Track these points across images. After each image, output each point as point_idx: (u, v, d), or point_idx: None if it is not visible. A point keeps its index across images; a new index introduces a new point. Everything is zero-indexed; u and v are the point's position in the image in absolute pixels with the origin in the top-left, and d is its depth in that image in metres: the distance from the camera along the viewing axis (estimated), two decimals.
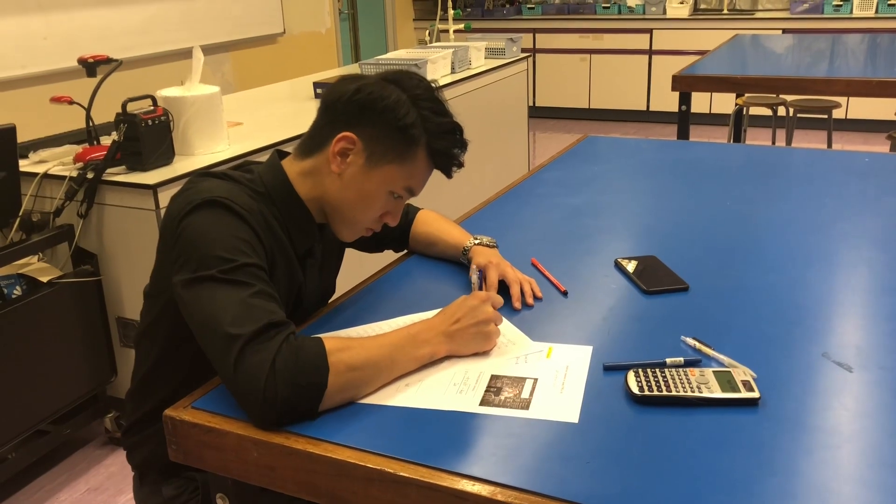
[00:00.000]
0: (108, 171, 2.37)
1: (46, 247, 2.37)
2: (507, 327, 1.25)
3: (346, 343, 1.07)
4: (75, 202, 2.39)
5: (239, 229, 1.14)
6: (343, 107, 1.23)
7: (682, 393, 1.03)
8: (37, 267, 2.38)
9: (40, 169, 2.48)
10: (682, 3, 6.60)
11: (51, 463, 2.48)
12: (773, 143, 4.97)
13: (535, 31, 7.01)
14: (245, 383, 1.00)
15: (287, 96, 3.76)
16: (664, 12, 6.68)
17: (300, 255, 1.30)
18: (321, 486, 0.98)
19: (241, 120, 3.13)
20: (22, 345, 2.23)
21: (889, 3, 5.96)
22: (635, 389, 1.04)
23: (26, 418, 2.27)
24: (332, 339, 1.07)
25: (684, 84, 3.48)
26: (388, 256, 1.62)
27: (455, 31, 4.66)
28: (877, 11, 5.98)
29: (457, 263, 1.51)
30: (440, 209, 1.64)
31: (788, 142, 4.75)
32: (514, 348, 1.19)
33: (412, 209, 1.60)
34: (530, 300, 1.34)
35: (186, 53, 4.99)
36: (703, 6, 6.87)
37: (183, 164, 2.47)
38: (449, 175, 1.30)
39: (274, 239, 1.23)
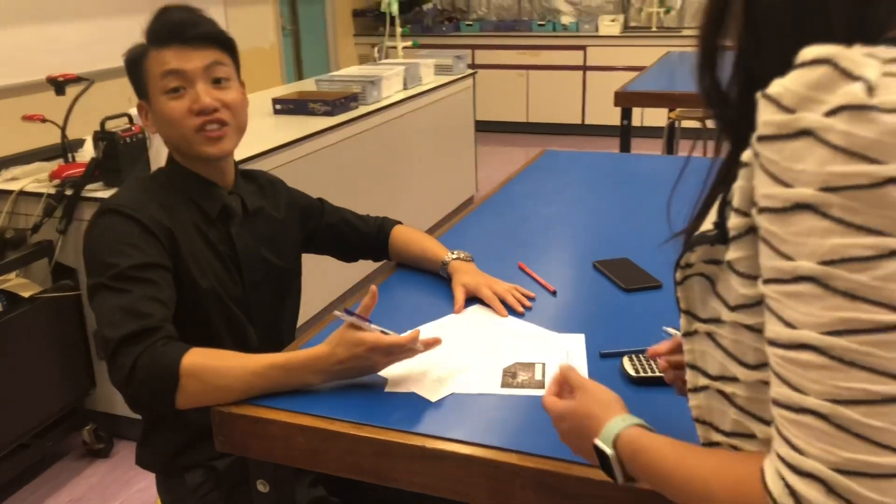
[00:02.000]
0: (86, 187, 2.43)
1: (27, 263, 2.41)
2: (515, 323, 1.40)
3: (208, 361, 1.16)
4: (53, 218, 2.44)
5: (126, 232, 1.29)
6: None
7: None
8: (16, 283, 2.42)
9: (14, 186, 2.52)
10: (613, 20, 6.91)
11: (31, 476, 2.51)
12: (704, 153, 5.28)
13: (474, 47, 7.22)
14: (114, 379, 1.18)
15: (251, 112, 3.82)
16: (597, 30, 6.97)
17: (221, 220, 1.42)
18: (364, 464, 1.11)
19: None
20: (3, 359, 2.27)
21: None
22: (632, 372, 1.20)
23: (10, 432, 2.30)
24: (196, 355, 1.16)
25: (625, 100, 3.70)
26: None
27: (403, 48, 4.81)
28: None
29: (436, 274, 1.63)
30: (398, 215, 1.75)
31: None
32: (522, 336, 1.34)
33: (388, 222, 1.71)
34: (520, 308, 1.45)
35: None
36: (633, 24, 7.20)
37: None
38: (184, 31, 1.34)
39: (177, 220, 1.35)
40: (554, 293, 1.53)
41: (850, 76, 0.57)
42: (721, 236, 0.71)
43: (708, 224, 0.75)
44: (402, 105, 4.02)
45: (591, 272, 1.63)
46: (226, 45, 1.40)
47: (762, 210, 0.62)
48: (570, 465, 1.00)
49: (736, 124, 0.71)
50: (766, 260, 0.63)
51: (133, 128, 2.48)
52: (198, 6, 1.40)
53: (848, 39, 0.60)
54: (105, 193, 2.41)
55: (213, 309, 1.38)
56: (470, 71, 4.94)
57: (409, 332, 1.18)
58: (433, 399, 1.17)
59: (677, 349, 1.03)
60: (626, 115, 3.73)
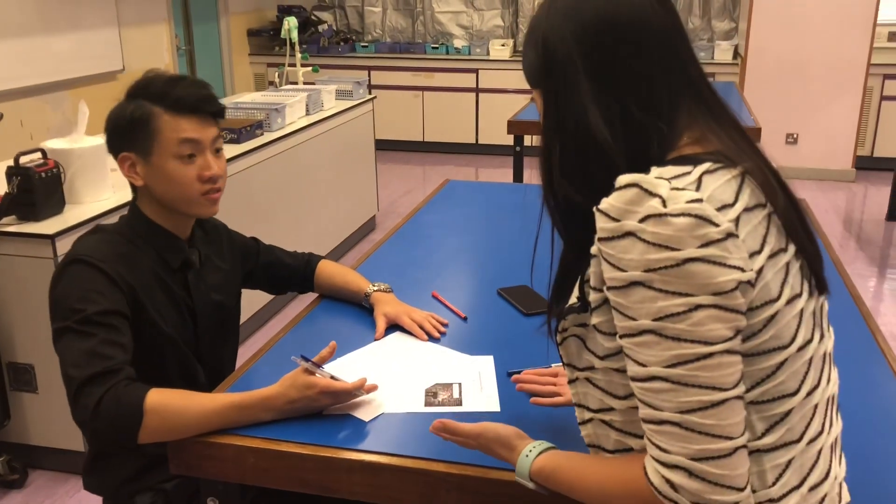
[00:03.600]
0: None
1: None
2: (432, 349, 1.59)
3: (168, 401, 1.28)
4: None
5: (92, 282, 1.41)
6: (108, 144, 1.53)
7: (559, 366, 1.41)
8: None
9: None
10: (503, 45, 7.24)
11: None
12: None
13: (369, 68, 7.40)
14: (77, 417, 1.32)
15: None
16: (488, 53, 7.29)
17: (180, 270, 1.56)
18: (310, 478, 1.27)
19: (114, 166, 3.25)
20: None
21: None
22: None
23: None
24: (159, 394, 1.29)
25: (518, 128, 3.97)
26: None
27: (303, 73, 4.93)
28: None
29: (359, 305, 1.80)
30: (304, 242, 1.92)
31: None
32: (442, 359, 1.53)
33: (314, 258, 1.88)
34: (436, 334, 1.65)
35: (27, 92, 4.89)
36: (521, 48, 7.55)
37: (73, 213, 2.59)
38: (205, 106, 1.49)
39: (138, 272, 1.48)
40: (465, 319, 1.73)
41: (650, 194, 0.84)
42: (584, 306, 0.96)
43: (573, 298, 0.99)
44: (306, 131, 4.15)
45: (496, 298, 1.84)
46: (221, 118, 1.55)
47: (609, 288, 0.88)
48: (488, 469, 1.20)
49: (566, 231, 1.01)
50: (618, 321, 0.88)
51: (48, 162, 2.53)
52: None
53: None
54: (20, 228, 2.45)
55: (168, 352, 1.51)
56: (370, 96, 5.12)
57: (356, 380, 1.35)
58: (367, 419, 1.34)
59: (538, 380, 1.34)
60: (519, 141, 3.99)
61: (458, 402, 1.39)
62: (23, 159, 2.48)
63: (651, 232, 0.82)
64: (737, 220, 0.84)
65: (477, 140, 7.34)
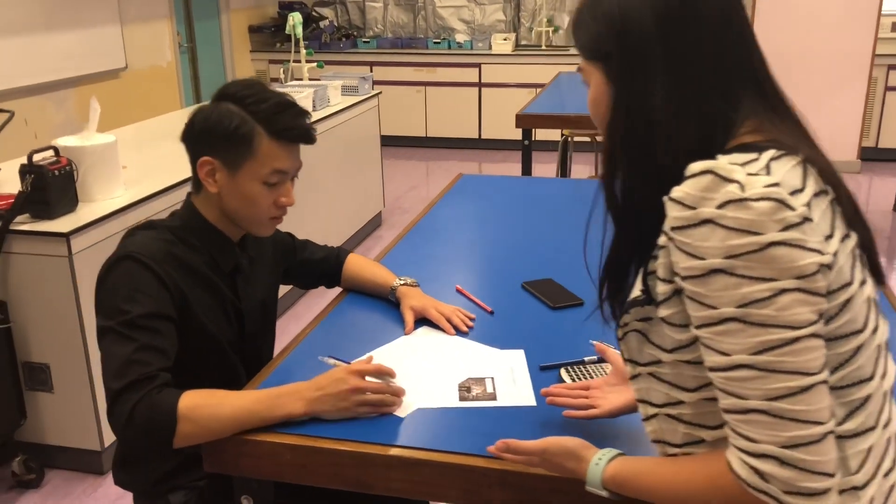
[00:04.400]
0: (14, 220, 2.45)
1: None
2: (461, 343, 1.58)
3: (203, 401, 1.27)
4: None
5: (141, 281, 1.39)
6: (191, 139, 1.49)
7: (591, 379, 1.39)
8: None
9: None
10: (505, 39, 7.22)
11: None
12: (596, 167, 5.63)
13: (371, 63, 7.37)
14: (113, 425, 1.30)
15: (162, 135, 3.85)
16: (490, 48, 7.27)
17: (230, 273, 1.55)
18: (348, 475, 1.26)
19: (125, 163, 3.23)
20: None
21: None
22: (569, 381, 1.40)
23: None
24: (191, 397, 1.28)
25: (526, 122, 3.95)
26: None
27: (308, 69, 4.91)
28: None
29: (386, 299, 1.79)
30: (311, 238, 1.89)
31: None
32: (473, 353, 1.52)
33: (343, 252, 1.87)
34: (464, 328, 1.64)
35: (30, 90, 4.87)
36: (524, 42, 7.54)
37: (86, 211, 2.58)
38: (305, 140, 1.47)
39: (188, 273, 1.46)
40: (491, 313, 1.72)
41: (727, 180, 0.83)
42: (648, 300, 0.94)
43: (637, 291, 0.97)
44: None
45: (521, 292, 1.83)
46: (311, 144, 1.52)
47: (685, 278, 0.86)
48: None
49: (622, 219, 0.99)
50: (695, 311, 0.86)
51: (60, 160, 2.51)
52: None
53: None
54: (35, 226, 2.44)
55: (213, 355, 1.50)
56: (375, 91, 5.10)
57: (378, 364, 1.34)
58: (402, 415, 1.33)
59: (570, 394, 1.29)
60: (527, 135, 3.98)
61: (493, 397, 1.38)
62: (36, 157, 2.46)
63: (732, 217, 0.81)
64: (808, 205, 0.84)
65: (480, 135, 7.32)
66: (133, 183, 2.90)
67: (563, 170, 5.11)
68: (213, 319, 1.50)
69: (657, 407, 0.99)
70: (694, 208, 0.83)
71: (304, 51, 4.87)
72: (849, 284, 0.86)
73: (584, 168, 6.41)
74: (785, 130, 0.91)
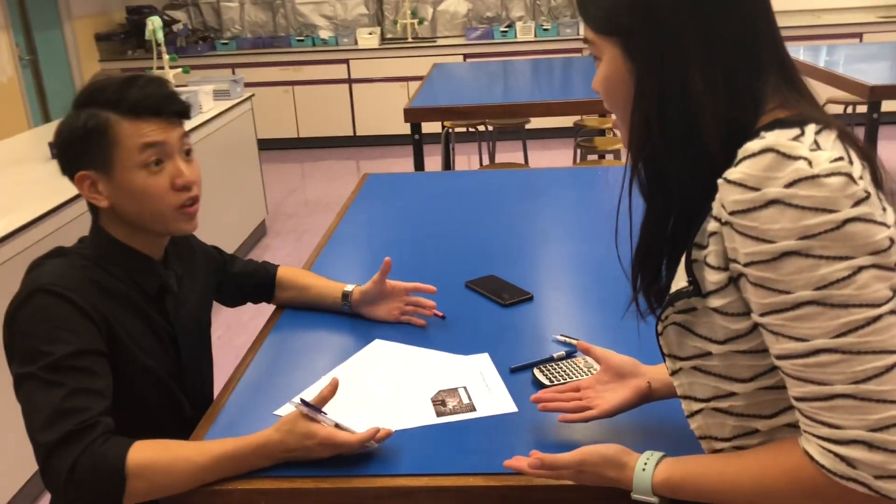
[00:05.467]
0: None
1: None
2: (423, 354, 1.49)
3: (154, 457, 1.13)
4: None
5: (60, 316, 1.22)
6: (60, 160, 1.32)
7: (581, 378, 1.35)
8: None
9: None
10: (371, 34, 7.11)
11: None
12: (480, 158, 5.63)
13: (233, 66, 7.07)
14: (50, 486, 1.15)
15: (16, 159, 3.51)
16: (356, 43, 7.13)
17: (157, 296, 1.38)
18: None
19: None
20: None
21: (543, 28, 7.00)
22: (546, 382, 1.35)
23: None
24: (142, 451, 1.12)
25: (415, 116, 3.87)
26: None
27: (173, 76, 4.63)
28: (535, 36, 7.00)
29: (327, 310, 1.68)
30: None
31: (492, 156, 5.42)
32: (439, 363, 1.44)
33: (270, 265, 1.74)
34: (429, 313, 1.61)
35: None
36: (389, 36, 7.44)
37: None
38: (166, 107, 1.29)
39: (114, 300, 1.30)
40: (443, 318, 1.64)
41: (791, 157, 0.78)
42: (696, 291, 0.89)
43: (681, 283, 0.91)
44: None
45: (466, 292, 1.76)
46: (187, 117, 1.35)
47: (749, 264, 0.81)
48: (531, 477, 1.12)
49: (656, 207, 0.94)
50: (762, 298, 0.81)
51: None
52: None
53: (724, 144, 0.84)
54: None
55: (150, 388, 1.33)
56: (247, 93, 4.88)
57: (367, 430, 1.16)
58: (375, 443, 1.23)
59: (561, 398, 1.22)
60: (416, 129, 3.90)
61: (472, 408, 1.30)
62: None
63: (804, 196, 0.77)
64: (864, 178, 0.81)
65: (355, 132, 7.18)
66: None
67: (448, 162, 5.08)
68: (147, 349, 1.33)
69: (703, 402, 0.94)
70: (758, 189, 0.78)
71: (166, 56, 4.58)
72: None
73: (465, 159, 6.42)
74: (806, 105, 0.88)
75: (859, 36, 6.62)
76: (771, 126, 0.83)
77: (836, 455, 0.80)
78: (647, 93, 0.88)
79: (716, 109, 0.85)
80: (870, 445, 0.79)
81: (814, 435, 0.82)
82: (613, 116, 0.97)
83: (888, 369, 0.78)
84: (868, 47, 5.42)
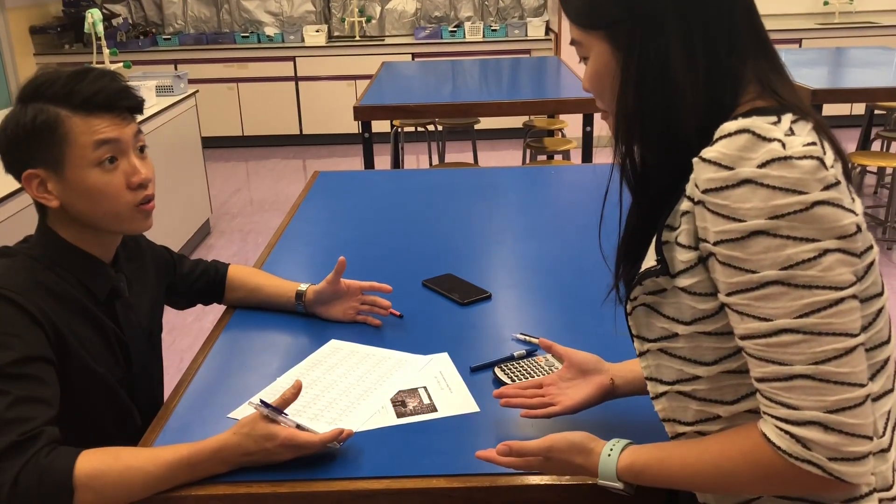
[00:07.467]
0: None
1: None
2: (381, 353, 1.46)
3: (103, 467, 1.07)
4: None
5: (6, 321, 1.16)
6: (4, 157, 1.26)
7: (542, 376, 1.33)
8: None
9: None
10: (318, 31, 7.02)
11: None
12: (430, 158, 5.61)
13: (176, 62, 6.91)
14: None
15: None
16: (303, 40, 7.04)
17: (106, 301, 1.32)
18: None
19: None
20: None
21: (492, 28, 7.02)
22: (507, 381, 1.33)
23: None
24: (90, 461, 1.07)
25: (364, 114, 3.83)
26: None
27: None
28: (483, 36, 7.01)
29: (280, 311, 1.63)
30: None
31: (441, 156, 5.40)
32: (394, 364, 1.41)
33: (220, 264, 1.69)
34: (385, 312, 1.58)
35: None
36: (336, 34, 7.37)
37: None
38: (118, 101, 1.24)
39: (62, 304, 1.24)
40: (401, 317, 1.61)
41: (765, 139, 0.79)
42: (664, 270, 0.88)
43: (649, 262, 0.90)
44: None
45: (423, 291, 1.73)
46: (140, 112, 1.29)
47: (718, 242, 0.81)
48: (495, 477, 1.10)
49: (642, 196, 0.96)
50: (728, 277, 0.82)
51: None
52: None
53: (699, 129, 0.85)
54: None
55: (100, 396, 1.27)
56: (191, 90, 4.77)
57: (329, 430, 1.13)
58: (339, 443, 1.19)
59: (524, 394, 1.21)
60: (367, 128, 3.86)
61: (432, 408, 1.28)
62: None
63: (776, 176, 0.78)
64: (834, 167, 0.82)
65: (301, 130, 7.09)
66: None
67: (397, 162, 5.04)
68: (97, 355, 1.27)
69: (667, 384, 0.94)
70: (731, 168, 0.79)
71: (107, 51, 4.45)
72: (871, 248, 0.85)
73: (414, 159, 6.39)
74: (786, 94, 0.88)
75: (798, 42, 6.80)
76: (748, 114, 0.84)
77: (793, 436, 0.80)
78: (632, 82, 0.88)
79: (695, 90, 0.85)
80: (825, 427, 0.79)
81: (772, 416, 0.82)
82: (597, 115, 0.97)
83: (847, 352, 0.79)
84: (808, 52, 5.56)
